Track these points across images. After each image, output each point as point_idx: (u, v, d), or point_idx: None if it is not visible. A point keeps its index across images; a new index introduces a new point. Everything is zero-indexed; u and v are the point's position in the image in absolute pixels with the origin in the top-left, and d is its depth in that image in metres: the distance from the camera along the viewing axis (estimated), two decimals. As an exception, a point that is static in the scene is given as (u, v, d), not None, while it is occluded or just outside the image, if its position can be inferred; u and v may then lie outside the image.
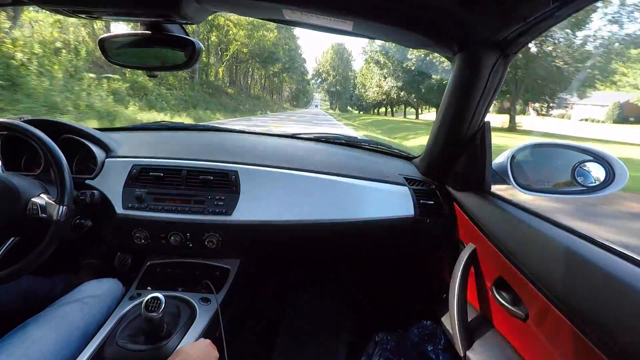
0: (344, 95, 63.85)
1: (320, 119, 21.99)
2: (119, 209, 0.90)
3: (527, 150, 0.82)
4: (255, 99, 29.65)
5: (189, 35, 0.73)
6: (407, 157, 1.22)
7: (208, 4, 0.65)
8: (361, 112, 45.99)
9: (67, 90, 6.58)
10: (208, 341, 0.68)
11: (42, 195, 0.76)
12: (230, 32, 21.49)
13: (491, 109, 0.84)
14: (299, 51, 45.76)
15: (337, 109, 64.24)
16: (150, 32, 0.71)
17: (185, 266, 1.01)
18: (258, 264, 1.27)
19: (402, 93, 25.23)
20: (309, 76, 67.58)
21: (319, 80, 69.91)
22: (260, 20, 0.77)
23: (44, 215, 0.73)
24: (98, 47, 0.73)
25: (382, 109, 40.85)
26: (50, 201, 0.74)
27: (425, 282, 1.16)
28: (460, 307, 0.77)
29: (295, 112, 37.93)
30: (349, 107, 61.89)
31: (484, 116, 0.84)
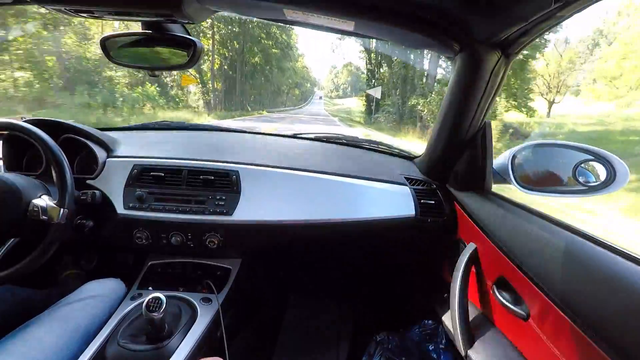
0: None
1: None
2: (120, 209, 0.90)
3: (528, 150, 0.82)
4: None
5: (190, 35, 0.73)
6: (408, 157, 1.22)
7: (209, 3, 0.65)
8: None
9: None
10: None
11: (43, 196, 0.76)
12: None
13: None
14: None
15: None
16: (151, 31, 0.71)
17: (186, 266, 1.01)
18: (259, 264, 1.27)
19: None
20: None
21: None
22: None
23: (44, 217, 0.73)
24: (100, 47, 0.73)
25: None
26: (52, 203, 0.74)
27: (426, 282, 1.16)
28: (462, 307, 0.77)
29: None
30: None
31: (485, 116, 0.85)
